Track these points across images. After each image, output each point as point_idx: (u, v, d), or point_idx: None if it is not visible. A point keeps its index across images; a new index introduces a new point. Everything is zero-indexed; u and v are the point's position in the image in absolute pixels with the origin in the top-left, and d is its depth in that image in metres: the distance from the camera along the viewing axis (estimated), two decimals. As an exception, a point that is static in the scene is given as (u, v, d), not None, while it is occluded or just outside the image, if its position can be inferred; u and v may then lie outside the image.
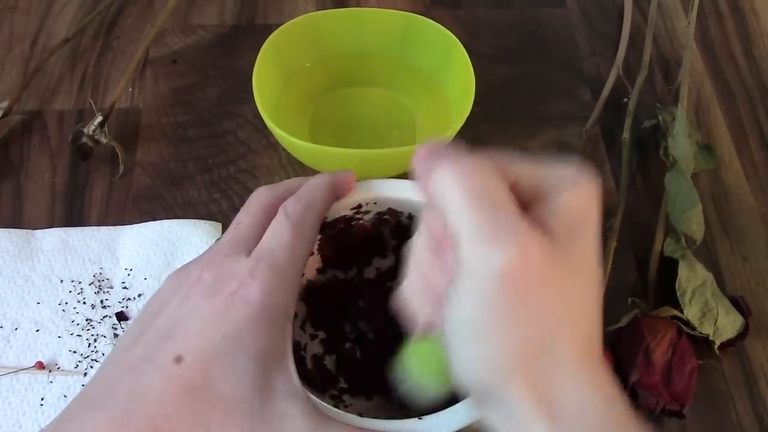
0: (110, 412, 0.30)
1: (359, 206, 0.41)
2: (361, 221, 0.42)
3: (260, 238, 0.34)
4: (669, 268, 0.51)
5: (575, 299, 0.28)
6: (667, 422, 0.48)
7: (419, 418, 0.34)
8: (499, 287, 0.27)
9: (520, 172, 0.29)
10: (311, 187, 0.36)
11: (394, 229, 0.44)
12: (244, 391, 0.31)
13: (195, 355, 0.31)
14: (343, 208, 0.40)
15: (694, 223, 0.52)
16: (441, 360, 0.33)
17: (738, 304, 0.50)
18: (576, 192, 0.29)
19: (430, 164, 0.29)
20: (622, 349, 0.48)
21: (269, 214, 0.36)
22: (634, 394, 0.46)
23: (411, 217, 0.42)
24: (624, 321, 0.49)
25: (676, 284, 0.50)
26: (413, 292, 0.34)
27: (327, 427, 0.32)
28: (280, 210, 0.35)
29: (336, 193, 0.38)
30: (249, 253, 0.34)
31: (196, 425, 0.30)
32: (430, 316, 0.33)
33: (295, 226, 0.34)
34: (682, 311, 0.49)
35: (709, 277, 0.51)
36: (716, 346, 0.49)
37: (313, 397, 0.33)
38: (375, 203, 0.41)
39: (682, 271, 0.50)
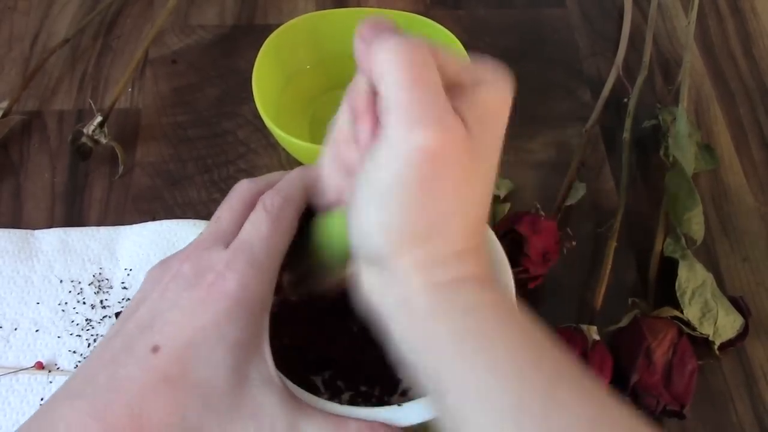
0: (90, 401, 0.31)
1: None
2: None
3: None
4: (669, 268, 0.51)
5: (476, 185, 0.31)
6: (668, 422, 0.48)
7: (398, 405, 0.34)
8: (416, 163, 0.28)
9: (445, 60, 0.30)
10: (290, 180, 0.37)
11: None
12: (220, 381, 0.32)
13: (172, 345, 0.32)
14: None
15: (694, 223, 0.52)
16: (341, 235, 0.34)
17: (738, 304, 0.50)
18: (492, 88, 0.30)
19: (372, 37, 0.29)
20: (622, 350, 0.48)
21: (250, 207, 0.36)
22: (634, 394, 0.46)
23: None
24: (624, 321, 0.49)
25: (676, 284, 0.50)
26: (328, 165, 0.35)
27: (304, 415, 0.33)
28: (259, 203, 0.36)
29: (316, 185, 0.38)
30: (228, 245, 0.34)
31: (172, 413, 0.31)
32: (340, 189, 0.34)
33: (273, 219, 0.35)
34: (682, 311, 0.49)
35: (709, 277, 0.51)
36: (716, 347, 0.49)
37: (291, 384, 0.34)
38: None
39: (682, 272, 0.50)
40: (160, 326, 0.32)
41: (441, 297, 0.30)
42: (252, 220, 0.35)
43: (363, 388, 0.42)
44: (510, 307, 0.32)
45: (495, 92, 0.30)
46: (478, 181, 0.30)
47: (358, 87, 0.32)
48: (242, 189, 0.37)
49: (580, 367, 0.30)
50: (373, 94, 0.30)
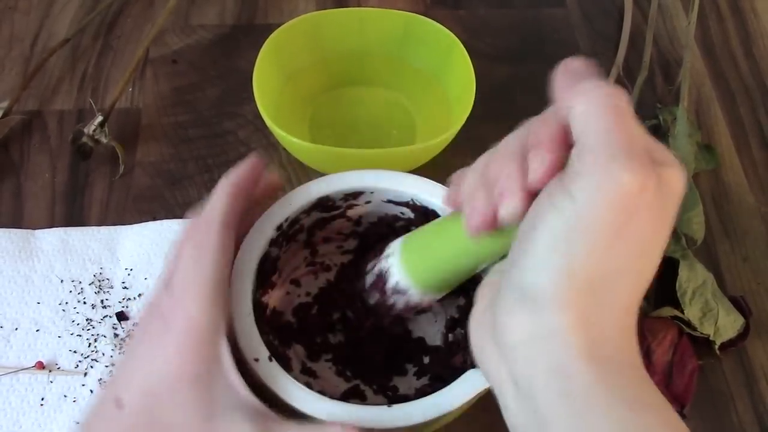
0: None
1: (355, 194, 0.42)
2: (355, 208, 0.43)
3: None
4: (669, 268, 0.51)
5: (657, 250, 0.29)
6: (668, 422, 0.48)
7: (387, 406, 0.34)
8: (616, 204, 0.27)
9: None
10: (210, 199, 0.37)
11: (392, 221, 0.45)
12: (189, 416, 0.32)
13: (134, 395, 0.32)
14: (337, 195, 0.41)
15: (694, 223, 0.52)
16: (465, 251, 0.34)
17: (738, 304, 0.50)
18: (677, 170, 0.29)
19: (576, 78, 0.30)
20: (622, 349, 0.48)
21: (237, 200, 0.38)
22: (634, 394, 0.46)
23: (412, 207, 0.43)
24: (624, 321, 0.49)
25: (677, 284, 0.50)
26: (474, 174, 0.33)
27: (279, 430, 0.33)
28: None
29: (248, 188, 0.38)
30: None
31: None
32: (472, 199, 0.33)
33: (196, 245, 0.35)
34: (682, 311, 0.49)
35: (710, 277, 0.51)
36: (717, 347, 0.49)
37: (285, 380, 0.35)
38: (372, 193, 0.41)
39: (683, 272, 0.50)
40: (122, 380, 0.34)
41: (607, 380, 0.27)
42: (179, 252, 0.35)
43: (358, 382, 0.42)
44: (670, 411, 0.29)
45: (678, 174, 0.29)
46: (658, 240, 0.29)
47: (547, 119, 0.30)
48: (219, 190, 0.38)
49: None
50: (564, 131, 0.29)
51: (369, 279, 0.39)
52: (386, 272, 0.38)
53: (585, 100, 0.28)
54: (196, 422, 0.32)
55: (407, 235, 0.39)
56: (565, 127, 0.29)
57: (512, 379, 0.29)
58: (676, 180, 0.29)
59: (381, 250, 0.39)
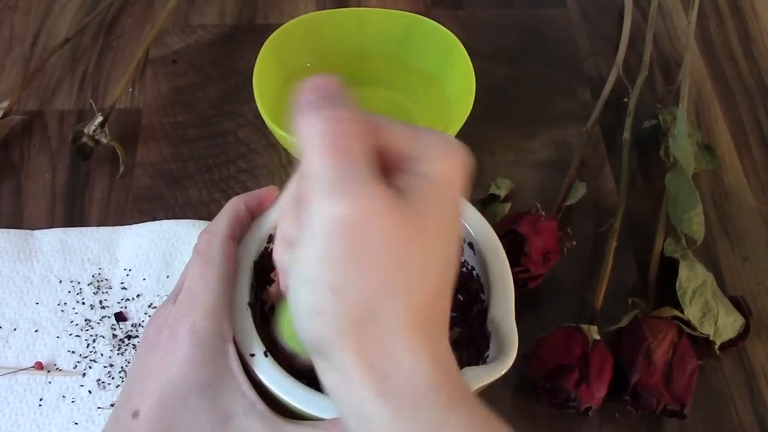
0: None
1: None
2: None
3: None
4: (669, 268, 0.51)
5: (416, 265, 0.27)
6: (668, 422, 0.48)
7: None
8: (335, 236, 0.26)
9: (392, 135, 0.28)
10: (219, 214, 0.38)
11: None
12: (202, 424, 0.33)
13: (149, 405, 0.33)
14: None
15: (694, 223, 0.52)
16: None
17: (738, 304, 0.50)
18: (442, 161, 0.28)
19: (305, 106, 0.27)
20: (622, 350, 0.48)
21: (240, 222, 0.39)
22: (634, 394, 0.46)
23: None
24: (624, 321, 0.49)
25: (677, 284, 0.50)
26: (279, 246, 0.34)
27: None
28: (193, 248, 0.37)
29: (253, 209, 0.39)
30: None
31: None
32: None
33: (201, 256, 0.36)
34: (682, 311, 0.49)
35: (710, 277, 0.51)
36: (717, 347, 0.49)
37: (291, 384, 0.35)
38: None
39: (683, 272, 0.50)
40: (136, 391, 0.35)
41: (402, 416, 0.27)
42: (187, 266, 0.37)
43: None
44: (486, 424, 0.28)
45: (443, 165, 0.28)
46: (421, 257, 0.27)
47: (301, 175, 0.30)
48: (230, 208, 0.39)
49: None
50: None
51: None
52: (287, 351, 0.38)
53: (302, 132, 0.27)
54: (208, 425, 0.33)
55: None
56: None
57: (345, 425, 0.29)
58: (440, 170, 0.28)
59: None
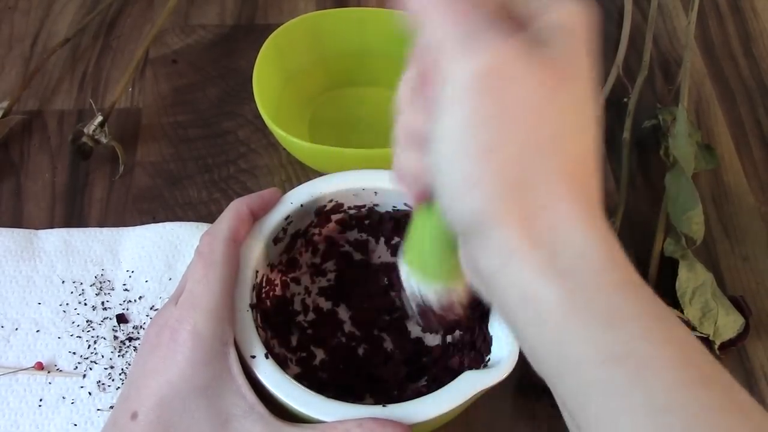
0: None
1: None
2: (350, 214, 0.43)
3: None
4: (669, 268, 0.51)
5: (566, 116, 0.26)
6: (668, 422, 0.48)
7: (382, 406, 0.34)
8: (476, 95, 0.24)
9: None
10: (219, 217, 0.38)
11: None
12: (201, 426, 0.33)
13: (148, 407, 0.33)
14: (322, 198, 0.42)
15: (694, 223, 0.52)
16: (440, 230, 0.31)
17: (738, 304, 0.50)
18: (567, 12, 0.27)
19: None
20: (622, 350, 0.48)
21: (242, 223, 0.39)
22: (634, 394, 0.46)
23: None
24: (624, 321, 0.49)
25: (677, 284, 0.50)
26: (403, 152, 0.31)
27: None
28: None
29: (255, 211, 0.39)
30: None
31: None
32: (422, 174, 0.30)
33: (203, 258, 0.36)
34: (682, 311, 0.49)
35: (710, 277, 0.51)
36: (716, 347, 0.49)
37: (292, 387, 0.35)
38: (376, 194, 0.42)
39: (683, 272, 0.50)
40: (135, 392, 0.34)
41: (575, 298, 0.25)
42: (189, 268, 0.37)
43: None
44: (664, 315, 0.26)
45: (568, 13, 0.27)
46: (568, 108, 0.26)
47: (420, 51, 0.29)
48: (232, 210, 0.39)
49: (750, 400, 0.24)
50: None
51: (413, 311, 0.37)
52: (421, 296, 0.36)
53: (412, 8, 0.26)
54: (208, 427, 0.33)
55: (403, 250, 0.37)
56: None
57: (501, 311, 0.28)
58: (564, 16, 0.26)
59: (398, 280, 0.38)
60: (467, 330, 0.42)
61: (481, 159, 0.25)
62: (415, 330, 0.45)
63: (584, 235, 0.25)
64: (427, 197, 0.32)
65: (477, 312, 0.40)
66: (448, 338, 0.44)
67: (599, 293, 0.25)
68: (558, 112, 0.25)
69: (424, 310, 0.36)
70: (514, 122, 0.25)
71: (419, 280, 0.35)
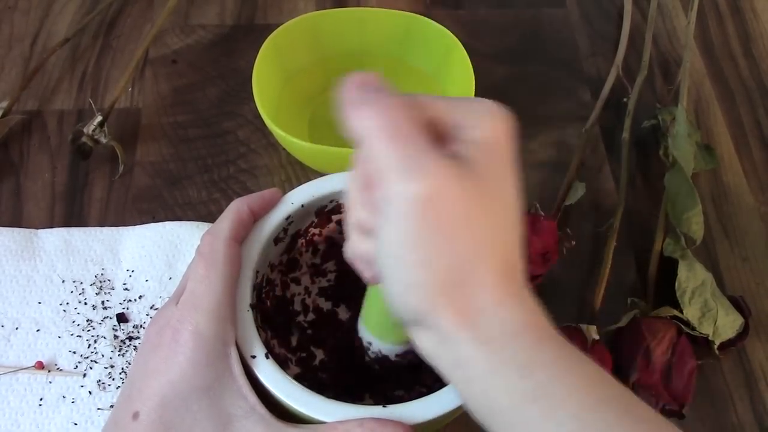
0: None
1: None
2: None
3: None
4: (669, 268, 0.51)
5: (493, 225, 0.30)
6: (667, 422, 0.48)
7: (383, 407, 0.34)
8: (416, 217, 0.28)
9: (437, 108, 0.30)
10: (220, 217, 0.39)
11: None
12: (202, 426, 0.33)
13: (150, 407, 0.34)
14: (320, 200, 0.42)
15: (693, 223, 0.52)
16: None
17: (738, 304, 0.50)
18: (489, 125, 0.30)
19: (354, 101, 0.29)
20: (621, 349, 0.48)
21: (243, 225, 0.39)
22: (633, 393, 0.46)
23: None
24: (624, 321, 0.49)
25: (676, 284, 0.50)
26: (354, 236, 0.34)
27: None
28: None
29: (256, 211, 0.40)
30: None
31: None
32: (369, 257, 0.34)
33: (204, 258, 0.36)
34: (681, 311, 0.49)
35: (709, 277, 0.51)
36: (716, 346, 0.49)
37: (293, 388, 0.35)
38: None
39: (682, 271, 0.50)
40: (137, 392, 0.35)
41: (495, 357, 0.29)
42: (189, 267, 0.37)
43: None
44: (571, 357, 0.30)
45: (490, 127, 0.30)
46: (494, 217, 0.30)
47: (361, 158, 0.32)
48: (232, 210, 0.39)
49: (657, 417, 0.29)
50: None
51: (370, 359, 0.41)
52: (380, 351, 0.40)
53: (362, 126, 0.29)
54: (209, 427, 0.33)
55: (360, 316, 0.40)
56: None
57: (445, 373, 0.32)
58: (489, 132, 0.30)
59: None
60: None
61: (418, 270, 0.29)
62: None
63: (506, 310, 0.29)
64: (379, 278, 0.35)
65: None
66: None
67: (516, 351, 0.29)
68: (485, 224, 0.29)
69: (382, 360, 0.40)
70: (448, 239, 0.29)
71: (376, 340, 0.39)
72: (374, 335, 0.39)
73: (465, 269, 0.29)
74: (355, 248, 0.34)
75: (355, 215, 0.33)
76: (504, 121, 0.30)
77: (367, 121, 0.29)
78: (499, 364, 0.29)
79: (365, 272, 0.35)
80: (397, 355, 0.40)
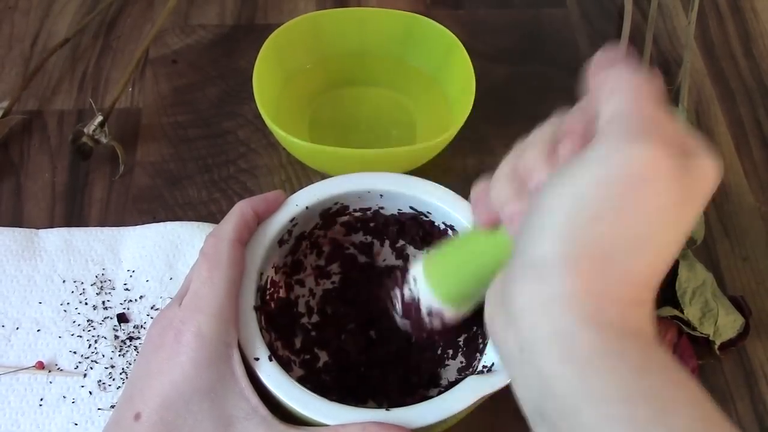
0: None
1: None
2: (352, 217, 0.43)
3: None
4: (669, 268, 0.51)
5: (677, 221, 0.28)
6: (668, 422, 0.48)
7: (386, 410, 0.34)
8: (627, 172, 0.26)
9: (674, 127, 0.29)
10: (225, 218, 0.38)
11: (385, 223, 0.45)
12: (204, 427, 0.33)
13: (152, 408, 0.33)
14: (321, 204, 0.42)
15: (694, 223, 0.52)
16: (482, 258, 0.33)
17: (738, 304, 0.51)
18: (709, 159, 0.29)
19: (610, 62, 0.29)
20: (622, 349, 0.48)
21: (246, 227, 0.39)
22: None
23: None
24: (624, 321, 0.49)
25: (677, 284, 0.50)
26: (502, 181, 0.33)
27: None
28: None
29: (259, 213, 0.40)
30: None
31: None
32: (508, 208, 0.32)
33: (208, 259, 0.36)
34: (682, 311, 0.49)
35: (710, 277, 0.51)
36: (716, 346, 0.49)
37: (296, 391, 0.35)
38: (381, 196, 0.42)
39: (683, 271, 0.50)
40: (138, 393, 0.34)
41: (611, 345, 0.26)
42: (193, 268, 0.37)
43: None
44: (686, 381, 0.27)
45: (710, 164, 0.28)
46: (679, 218, 0.28)
47: (579, 109, 0.31)
48: (236, 213, 0.39)
49: None
50: (590, 123, 0.29)
51: (399, 306, 0.39)
52: (417, 299, 0.37)
53: (615, 82, 0.28)
54: (211, 428, 0.33)
55: (427, 258, 0.38)
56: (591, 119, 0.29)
57: (518, 346, 0.28)
58: (707, 169, 0.28)
59: (401, 278, 0.39)
60: (471, 333, 0.42)
61: (589, 222, 0.26)
62: None
63: (633, 309, 0.27)
64: (494, 224, 0.33)
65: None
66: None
67: (634, 347, 0.26)
68: (670, 219, 0.27)
69: (413, 314, 0.38)
70: (635, 207, 0.26)
71: (428, 292, 0.37)
72: (433, 287, 0.37)
73: (630, 248, 0.27)
74: (498, 191, 0.32)
75: (524, 164, 0.32)
76: (718, 170, 0.29)
77: (626, 76, 0.28)
78: (614, 352, 0.26)
79: (487, 213, 0.33)
80: (428, 318, 0.37)
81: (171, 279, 0.50)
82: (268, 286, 0.41)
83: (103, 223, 0.54)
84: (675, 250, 0.28)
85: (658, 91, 0.28)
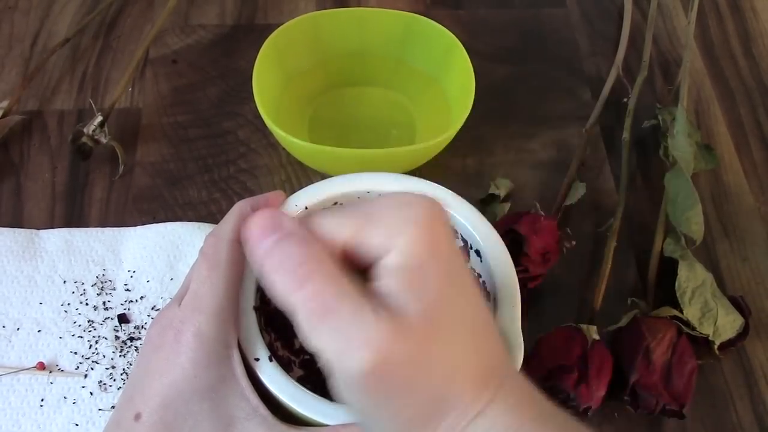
0: None
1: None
2: None
3: None
4: (669, 268, 0.51)
5: (453, 340, 0.29)
6: (667, 422, 0.48)
7: None
8: (366, 387, 0.27)
9: (346, 238, 0.29)
10: (224, 218, 0.38)
11: None
12: (204, 428, 0.33)
13: (151, 408, 0.34)
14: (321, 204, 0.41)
15: (693, 223, 0.52)
16: None
17: (738, 304, 0.51)
18: (403, 242, 0.29)
19: (255, 241, 0.29)
20: (621, 349, 0.48)
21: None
22: (634, 394, 0.46)
23: None
24: (624, 321, 0.49)
25: (676, 284, 0.50)
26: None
27: None
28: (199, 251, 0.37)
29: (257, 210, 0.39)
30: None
31: None
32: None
33: (207, 259, 0.36)
34: (681, 311, 0.49)
35: (709, 277, 0.51)
36: (716, 346, 0.49)
37: (296, 391, 0.35)
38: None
39: (682, 271, 0.50)
40: (138, 393, 0.34)
41: None
42: (193, 269, 0.37)
43: None
44: (555, 415, 0.30)
45: (404, 243, 0.28)
46: (453, 336, 0.29)
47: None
48: (235, 212, 0.38)
49: None
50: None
51: None
52: None
53: (270, 280, 0.29)
54: (211, 430, 0.33)
55: None
56: None
57: None
58: (408, 249, 0.28)
59: None
60: None
61: (391, 419, 0.28)
62: None
63: (487, 420, 0.29)
64: None
65: None
66: None
67: None
68: (441, 360, 0.28)
69: None
70: (409, 391, 0.28)
71: None
72: None
73: (441, 400, 0.28)
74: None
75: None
76: (420, 226, 0.29)
77: (271, 268, 0.29)
78: None
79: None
80: None
81: (172, 279, 0.50)
82: None
83: (103, 223, 0.54)
84: (472, 339, 0.30)
85: (317, 273, 0.28)
